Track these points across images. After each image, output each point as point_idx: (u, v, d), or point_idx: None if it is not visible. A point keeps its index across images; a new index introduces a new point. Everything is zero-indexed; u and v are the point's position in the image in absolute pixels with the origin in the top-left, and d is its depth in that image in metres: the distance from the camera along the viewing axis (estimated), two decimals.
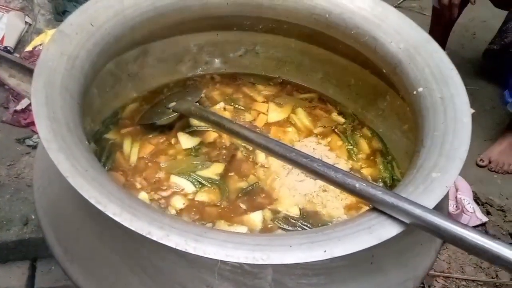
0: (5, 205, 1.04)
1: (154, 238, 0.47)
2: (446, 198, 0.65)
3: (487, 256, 0.46)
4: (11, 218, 1.02)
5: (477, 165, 1.44)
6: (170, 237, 0.47)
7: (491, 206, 1.27)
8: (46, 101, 0.56)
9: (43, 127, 0.53)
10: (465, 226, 0.47)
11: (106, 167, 0.79)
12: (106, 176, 0.54)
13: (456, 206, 1.21)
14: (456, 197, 1.22)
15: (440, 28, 1.74)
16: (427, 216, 0.49)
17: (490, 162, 1.46)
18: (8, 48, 1.55)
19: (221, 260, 0.48)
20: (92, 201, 0.48)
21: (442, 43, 1.80)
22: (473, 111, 0.85)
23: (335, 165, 0.84)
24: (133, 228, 0.47)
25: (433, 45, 0.73)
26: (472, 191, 1.26)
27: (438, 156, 0.58)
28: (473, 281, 1.08)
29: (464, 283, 1.08)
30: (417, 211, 0.49)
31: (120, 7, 0.74)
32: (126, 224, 0.47)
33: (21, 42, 1.60)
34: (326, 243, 0.49)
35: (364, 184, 0.55)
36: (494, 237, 0.48)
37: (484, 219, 1.21)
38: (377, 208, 0.54)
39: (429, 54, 0.72)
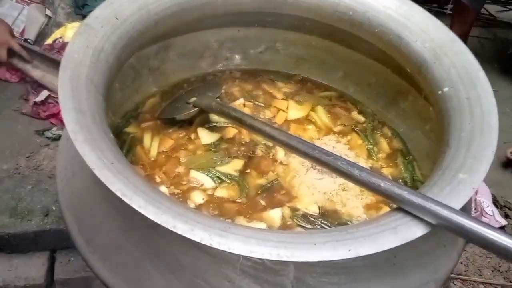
0: (26, 196, 1.06)
1: (179, 232, 0.47)
2: (469, 201, 0.64)
3: None
4: (32, 209, 1.03)
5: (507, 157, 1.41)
6: (194, 232, 0.47)
7: (509, 209, 1.25)
8: (72, 94, 0.57)
9: (70, 119, 0.54)
10: (493, 228, 0.46)
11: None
12: (131, 169, 0.54)
13: (475, 209, 1.20)
14: (475, 200, 1.21)
15: (462, 25, 1.73)
16: (455, 218, 0.48)
17: None
18: (29, 40, 1.57)
19: (243, 256, 0.48)
20: (118, 194, 0.49)
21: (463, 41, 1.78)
22: None
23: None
24: (158, 222, 0.47)
25: (459, 45, 0.72)
26: (491, 194, 1.24)
27: (464, 157, 0.58)
28: (491, 284, 1.07)
29: (482, 286, 1.06)
30: (445, 212, 0.49)
31: (144, 1, 0.74)
32: (151, 217, 0.48)
33: (41, 35, 1.61)
34: (351, 242, 0.49)
35: (389, 184, 0.54)
36: None
37: (503, 222, 1.19)
38: (402, 208, 0.53)
39: (455, 54, 0.71)
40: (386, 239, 0.49)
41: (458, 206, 0.52)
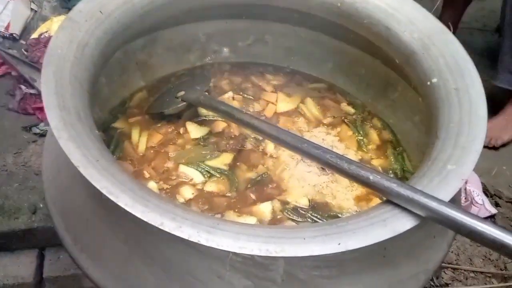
0: (13, 194, 1.04)
1: (167, 230, 0.46)
2: (459, 190, 0.64)
3: (506, 251, 0.45)
4: (20, 206, 1.02)
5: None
6: (182, 229, 0.47)
7: (500, 198, 1.26)
8: (56, 90, 0.56)
9: (54, 116, 0.53)
10: (482, 219, 0.46)
11: (115, 156, 0.79)
12: (117, 166, 0.53)
13: (465, 198, 1.20)
14: (465, 189, 1.21)
15: (452, 13, 1.73)
16: (444, 210, 0.48)
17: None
18: (14, 35, 1.54)
19: (232, 252, 0.48)
20: (104, 192, 0.48)
21: (453, 30, 1.78)
22: None
23: (345, 156, 0.84)
24: (145, 219, 0.47)
25: (448, 36, 0.72)
26: (481, 183, 1.25)
27: (453, 148, 0.58)
28: (482, 272, 1.08)
29: (472, 274, 1.07)
30: (433, 204, 0.49)
31: None
32: (138, 215, 0.47)
33: (27, 29, 1.58)
34: (340, 235, 0.49)
35: (378, 177, 0.54)
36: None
37: (493, 211, 1.20)
38: (392, 200, 0.53)
39: (444, 44, 0.71)
40: (375, 232, 0.49)
41: (447, 197, 0.51)
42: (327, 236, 0.48)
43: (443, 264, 1.09)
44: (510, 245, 0.44)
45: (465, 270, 1.10)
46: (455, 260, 1.12)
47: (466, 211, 0.47)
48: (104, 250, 0.59)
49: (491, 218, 1.21)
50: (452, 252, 1.12)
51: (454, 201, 0.65)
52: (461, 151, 0.57)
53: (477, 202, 1.18)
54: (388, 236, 0.49)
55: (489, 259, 1.11)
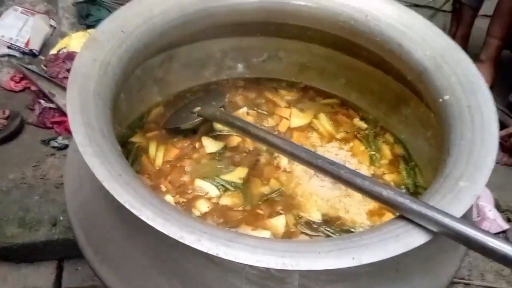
0: (34, 206, 1.07)
1: (186, 243, 0.48)
2: (471, 207, 0.65)
3: None
4: (40, 219, 1.04)
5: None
6: (201, 242, 0.48)
7: None
8: (80, 108, 0.58)
9: (79, 133, 0.55)
10: (494, 235, 0.47)
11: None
12: (139, 181, 0.55)
13: (477, 214, 1.20)
14: (477, 205, 1.21)
15: (462, 26, 1.75)
16: (456, 226, 0.49)
17: None
18: (34, 51, 1.58)
19: (249, 265, 0.49)
20: (127, 205, 0.50)
21: (465, 43, 1.79)
22: None
23: (357, 171, 0.85)
24: (166, 233, 0.48)
25: (460, 54, 0.73)
26: (493, 198, 1.25)
27: (465, 165, 0.59)
28: None
29: None
30: (446, 220, 0.50)
31: (149, 14, 0.76)
32: (159, 228, 0.49)
33: (46, 45, 1.62)
34: (354, 250, 0.50)
35: (392, 192, 0.55)
36: None
37: (505, 226, 1.20)
38: (405, 216, 0.54)
39: (455, 62, 0.72)
40: (388, 247, 0.50)
41: (459, 214, 0.52)
42: (341, 250, 0.49)
43: (455, 279, 1.09)
44: None
45: (477, 286, 1.09)
46: (467, 276, 1.11)
47: (477, 227, 0.48)
48: (124, 262, 0.60)
49: (502, 234, 1.20)
50: (464, 267, 1.12)
51: (466, 217, 0.66)
52: (473, 168, 0.58)
53: (489, 217, 1.18)
54: (401, 251, 0.50)
55: (501, 275, 1.11)
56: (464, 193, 0.55)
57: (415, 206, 0.52)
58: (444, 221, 0.50)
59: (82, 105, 0.58)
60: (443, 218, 0.50)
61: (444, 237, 0.51)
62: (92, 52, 0.66)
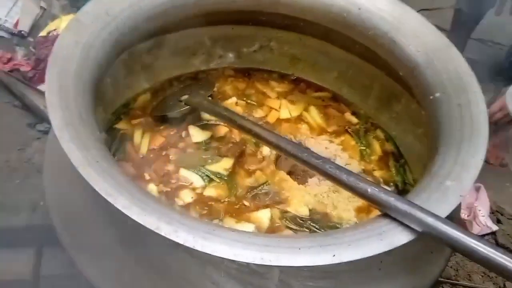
0: (14, 190, 1.05)
1: (162, 234, 0.47)
2: (458, 206, 0.64)
3: (498, 270, 0.45)
4: (20, 203, 1.02)
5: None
6: (178, 233, 0.47)
7: (501, 214, 1.25)
8: (59, 90, 0.56)
9: (56, 116, 0.53)
10: (477, 237, 0.46)
11: (116, 157, 0.79)
12: (117, 168, 0.53)
13: (469, 214, 1.20)
14: (473, 206, 1.21)
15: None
16: (440, 226, 0.48)
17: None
18: (22, 32, 1.55)
19: (227, 259, 0.48)
20: (102, 193, 0.48)
21: (461, 47, 1.78)
22: None
23: (347, 165, 0.84)
24: (141, 222, 0.47)
25: (453, 51, 0.72)
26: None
27: (453, 164, 0.57)
28: None
29: None
30: (430, 220, 0.48)
31: None
32: (135, 217, 0.47)
33: (35, 27, 1.59)
34: (335, 247, 0.48)
35: (377, 189, 0.54)
36: (506, 250, 0.47)
37: (494, 227, 1.19)
38: (389, 214, 0.53)
39: (448, 59, 0.71)
40: (371, 245, 0.49)
41: (444, 213, 0.51)
42: (322, 247, 0.48)
43: (441, 279, 1.08)
44: (503, 264, 0.44)
45: (463, 286, 1.09)
46: (454, 276, 1.11)
47: (462, 228, 0.47)
48: (101, 251, 0.59)
49: (492, 235, 1.20)
50: (451, 267, 1.11)
51: (453, 218, 0.65)
52: (460, 168, 0.57)
53: (480, 222, 1.17)
54: (384, 249, 0.49)
55: (488, 275, 1.10)
56: (450, 193, 0.54)
57: (399, 204, 0.51)
58: (427, 220, 0.49)
59: (61, 88, 0.56)
60: (426, 217, 0.49)
61: (428, 237, 0.50)
62: (74, 34, 0.64)
